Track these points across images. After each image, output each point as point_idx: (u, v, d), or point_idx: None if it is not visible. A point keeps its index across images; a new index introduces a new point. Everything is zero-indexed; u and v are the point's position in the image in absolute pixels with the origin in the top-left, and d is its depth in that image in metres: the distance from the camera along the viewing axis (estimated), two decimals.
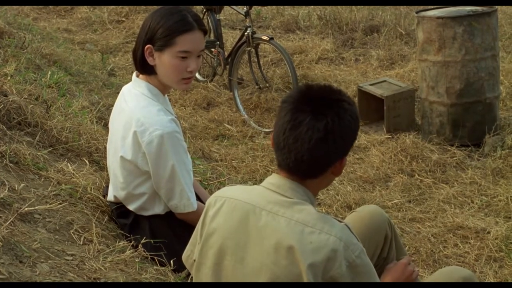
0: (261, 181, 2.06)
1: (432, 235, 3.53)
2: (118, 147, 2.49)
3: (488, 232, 3.52)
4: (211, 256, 1.82)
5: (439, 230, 3.57)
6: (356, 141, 2.28)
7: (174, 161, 2.38)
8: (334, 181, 3.90)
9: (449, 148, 4.52)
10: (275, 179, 1.80)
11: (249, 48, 5.11)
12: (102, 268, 2.13)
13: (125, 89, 2.57)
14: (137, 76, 2.52)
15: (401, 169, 4.27)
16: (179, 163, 2.40)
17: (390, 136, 4.74)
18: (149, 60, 2.41)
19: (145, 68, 2.45)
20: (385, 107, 4.81)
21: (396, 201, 3.89)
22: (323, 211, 3.67)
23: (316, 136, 1.69)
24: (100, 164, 3.08)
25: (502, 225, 3.57)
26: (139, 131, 2.37)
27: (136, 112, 2.41)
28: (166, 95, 2.56)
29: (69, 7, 8.21)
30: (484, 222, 3.64)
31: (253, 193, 1.81)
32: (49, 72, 4.08)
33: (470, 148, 4.53)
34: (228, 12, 7.50)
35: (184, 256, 1.99)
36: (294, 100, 1.75)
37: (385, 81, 5.15)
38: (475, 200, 3.89)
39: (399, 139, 4.59)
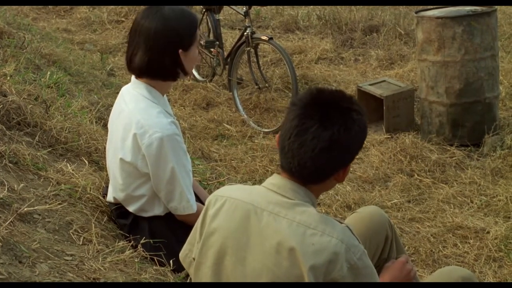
0: (260, 181, 2.06)
1: (431, 235, 3.53)
2: (117, 148, 2.48)
3: (488, 232, 3.52)
4: (211, 255, 1.81)
5: (439, 230, 3.57)
6: None
7: (173, 164, 2.38)
8: None
9: (449, 148, 4.52)
10: (276, 180, 1.79)
11: (249, 48, 5.11)
12: (102, 268, 2.13)
13: (125, 89, 2.57)
14: (136, 77, 2.52)
15: (401, 169, 4.26)
16: (178, 165, 2.39)
17: (389, 136, 4.74)
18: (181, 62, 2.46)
19: (177, 74, 2.48)
20: (384, 107, 4.81)
21: (395, 201, 3.89)
22: (323, 211, 3.67)
23: (320, 145, 1.67)
24: (99, 164, 3.07)
25: (501, 225, 3.57)
26: (139, 134, 2.37)
27: (136, 114, 2.41)
28: (165, 95, 2.57)
29: (68, 7, 8.21)
30: (483, 222, 3.64)
31: (254, 193, 1.80)
32: (49, 72, 4.07)
33: (469, 148, 4.53)
34: (227, 12, 7.49)
35: (181, 255, 1.98)
36: (304, 104, 1.72)
37: (384, 81, 5.15)
38: (475, 200, 3.89)
39: (399, 139, 4.59)
